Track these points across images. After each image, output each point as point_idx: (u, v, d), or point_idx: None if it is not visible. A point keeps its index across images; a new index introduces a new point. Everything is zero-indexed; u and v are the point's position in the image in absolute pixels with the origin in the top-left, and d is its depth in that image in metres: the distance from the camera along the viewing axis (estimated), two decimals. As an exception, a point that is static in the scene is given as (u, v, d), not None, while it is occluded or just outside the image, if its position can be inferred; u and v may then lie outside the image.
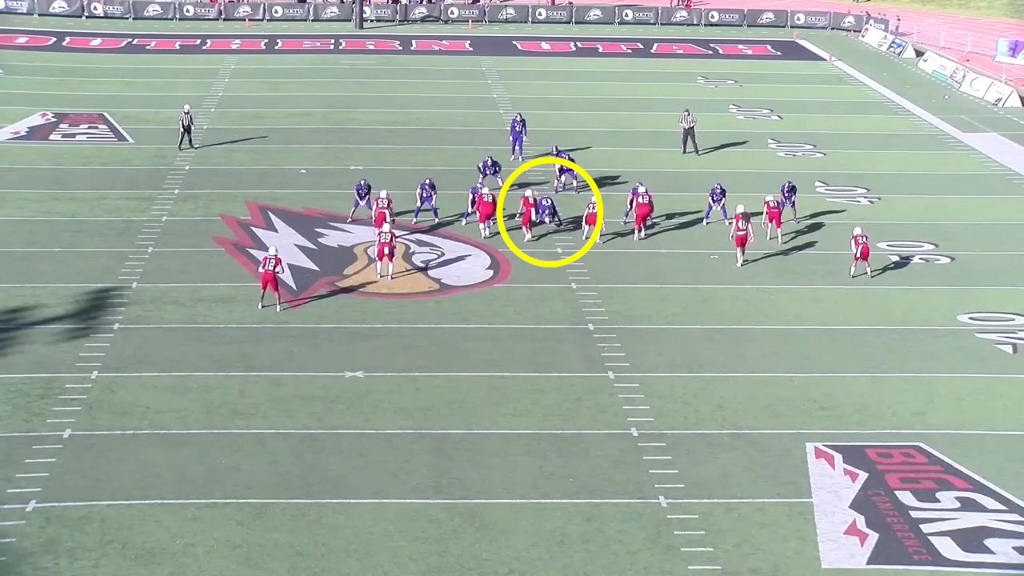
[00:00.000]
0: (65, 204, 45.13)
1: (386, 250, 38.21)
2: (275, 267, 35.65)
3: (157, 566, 23.82)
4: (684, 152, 52.90)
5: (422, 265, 39.76)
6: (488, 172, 46.21)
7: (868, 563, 24.53)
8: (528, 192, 43.17)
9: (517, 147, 51.24)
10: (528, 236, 42.14)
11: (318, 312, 36.12)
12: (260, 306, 35.90)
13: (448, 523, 25.45)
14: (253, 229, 42.82)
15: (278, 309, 35.81)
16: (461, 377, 32.19)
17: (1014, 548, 25.01)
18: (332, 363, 32.79)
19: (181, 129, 52.20)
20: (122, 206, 45.06)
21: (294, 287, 37.67)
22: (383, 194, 41.77)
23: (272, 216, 44.14)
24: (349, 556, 24.31)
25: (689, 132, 53.16)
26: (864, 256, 39.29)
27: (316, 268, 39.29)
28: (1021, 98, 65.29)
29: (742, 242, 40.19)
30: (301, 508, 25.91)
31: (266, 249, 37.24)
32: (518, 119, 51.91)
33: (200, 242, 41.55)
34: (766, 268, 40.45)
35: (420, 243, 41.75)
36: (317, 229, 42.89)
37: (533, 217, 42.47)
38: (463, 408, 30.55)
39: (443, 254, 40.88)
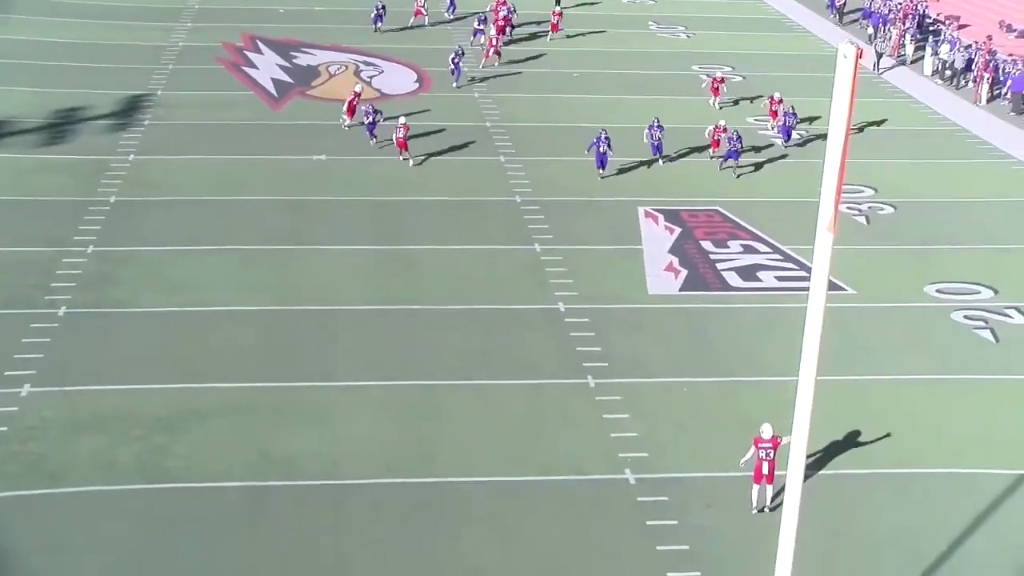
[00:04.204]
0: (107, 32, 43.57)
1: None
2: (404, 133, 31.21)
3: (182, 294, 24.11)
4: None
5: (367, 80, 38.88)
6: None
7: (680, 290, 25.17)
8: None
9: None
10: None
11: (293, 112, 35.58)
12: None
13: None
14: (246, 53, 41.76)
15: (411, 164, 31.29)
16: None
17: (775, 277, 25.80)
18: (305, 149, 32.41)
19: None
20: (150, 35, 43.53)
21: (275, 94, 37.09)
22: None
23: (260, 43, 43.00)
24: (319, 291, 24.60)
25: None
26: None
27: (291, 81, 38.57)
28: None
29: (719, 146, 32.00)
30: (284, 252, 26.07)
31: (258, 67, 36.14)
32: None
33: (208, 61, 40.41)
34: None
35: (366, 64, 40.99)
36: (292, 53, 41.89)
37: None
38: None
39: (383, 71, 40.20)
